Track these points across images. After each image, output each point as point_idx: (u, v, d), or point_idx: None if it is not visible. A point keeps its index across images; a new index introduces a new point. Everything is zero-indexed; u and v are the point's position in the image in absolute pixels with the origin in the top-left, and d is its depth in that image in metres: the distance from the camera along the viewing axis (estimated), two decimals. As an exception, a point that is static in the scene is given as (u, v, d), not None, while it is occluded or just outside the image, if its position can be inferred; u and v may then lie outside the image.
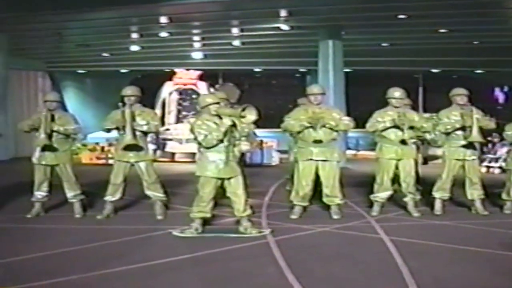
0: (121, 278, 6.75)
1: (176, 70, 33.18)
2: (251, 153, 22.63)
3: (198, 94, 29.44)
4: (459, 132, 11.23)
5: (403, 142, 10.94)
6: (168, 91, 32.00)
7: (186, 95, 32.10)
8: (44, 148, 10.67)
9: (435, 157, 17.50)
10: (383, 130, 11.05)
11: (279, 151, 27.12)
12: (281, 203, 12.26)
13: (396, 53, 30.62)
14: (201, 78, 32.35)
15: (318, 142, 10.62)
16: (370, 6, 22.10)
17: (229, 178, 9.14)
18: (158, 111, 28.00)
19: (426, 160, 18.18)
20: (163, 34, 27.12)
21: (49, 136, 10.59)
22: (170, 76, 32.97)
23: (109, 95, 29.55)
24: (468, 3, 21.06)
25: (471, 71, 35.87)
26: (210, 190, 9.12)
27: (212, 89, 28.12)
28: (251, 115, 8.84)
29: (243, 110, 8.82)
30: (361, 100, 30.33)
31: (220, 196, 9.85)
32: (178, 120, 31.40)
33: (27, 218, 10.64)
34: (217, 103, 9.33)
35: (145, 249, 8.35)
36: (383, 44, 29.63)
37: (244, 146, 11.52)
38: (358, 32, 26.83)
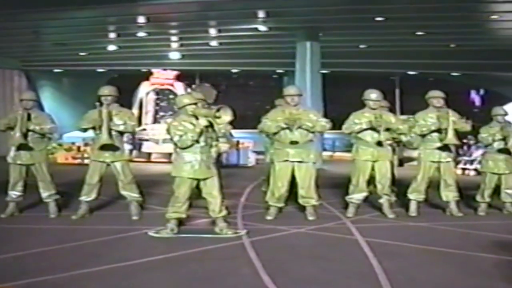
0: (97, 278, 6.71)
1: (153, 70, 33.19)
2: (228, 154, 22.64)
3: (175, 94, 29.58)
4: (435, 134, 11.30)
5: (379, 143, 10.98)
6: (145, 91, 32.03)
7: (163, 95, 32.16)
8: (20, 147, 10.59)
9: (411, 159, 17.61)
10: (359, 132, 11.08)
11: (255, 152, 27.16)
12: (256, 204, 12.27)
13: (373, 55, 30.75)
14: (178, 78, 32.40)
15: (294, 143, 10.62)
16: (348, 8, 22.19)
17: (204, 179, 9.13)
18: (135, 111, 28.01)
19: (401, 162, 18.29)
20: (141, 34, 27.06)
21: (25, 136, 10.51)
22: (147, 76, 32.96)
23: (85, 94, 29.38)
24: (445, 7, 21.18)
25: (447, 73, 36.09)
26: (185, 191, 9.10)
27: (189, 90, 28.13)
28: (226, 116, 8.85)
29: (218, 110, 8.82)
30: (338, 102, 30.48)
31: (196, 197, 9.84)
32: (155, 120, 31.41)
33: (1, 218, 10.57)
34: (195, 103, 9.31)
35: (120, 249, 8.32)
36: (361, 46, 29.75)
37: (223, 146, 11.53)
38: (335, 34, 26.89)
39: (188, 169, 9.03)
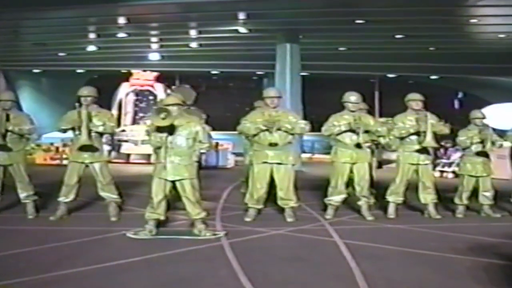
0: (74, 280, 6.68)
1: (133, 71, 33.09)
2: (207, 155, 22.62)
3: (154, 95, 29.49)
4: (413, 137, 11.37)
5: (358, 146, 11.01)
6: (124, 92, 31.93)
7: (143, 96, 32.06)
8: (-2, 148, 10.53)
9: (389, 161, 17.64)
10: (338, 134, 11.10)
11: (234, 153, 27.16)
12: (235, 206, 12.26)
13: (353, 57, 30.87)
14: (158, 79, 32.31)
15: (273, 145, 10.63)
16: (328, 11, 22.26)
17: (179, 180, 9.11)
18: (114, 112, 27.89)
19: (380, 164, 18.32)
20: (121, 34, 27.03)
21: (3, 136, 10.45)
22: (127, 77, 32.87)
23: (65, 95, 29.36)
24: (425, 10, 21.31)
25: (427, 76, 36.28)
26: (157, 191, 9.09)
27: (168, 91, 28.09)
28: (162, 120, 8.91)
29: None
30: (318, 104, 30.52)
31: (174, 198, 9.82)
32: (134, 121, 31.31)
33: (-21, 219, 10.51)
34: (179, 104, 9.29)
35: (98, 250, 8.28)
36: (340, 49, 29.87)
37: None
38: (315, 36, 26.99)
39: (160, 170, 9.05)
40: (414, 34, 26.10)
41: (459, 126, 12.31)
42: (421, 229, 10.26)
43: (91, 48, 30.12)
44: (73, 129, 10.40)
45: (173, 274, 7.03)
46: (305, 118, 12.19)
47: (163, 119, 8.84)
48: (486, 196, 11.85)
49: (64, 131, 10.61)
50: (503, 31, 25.42)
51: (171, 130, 9.01)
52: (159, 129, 9.00)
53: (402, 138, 11.52)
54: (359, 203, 11.32)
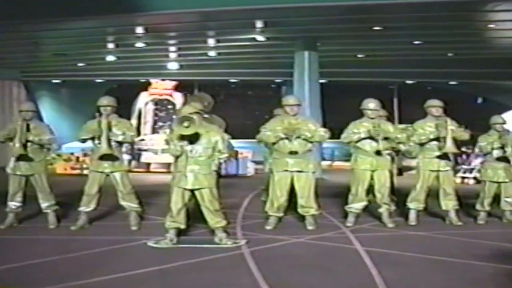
0: (95, 289, 6.72)
1: (152, 80, 33.15)
2: (227, 164, 22.63)
3: (173, 104, 29.50)
4: (434, 143, 11.32)
5: (378, 153, 10.98)
6: (144, 102, 31.97)
7: (162, 105, 32.08)
8: (19, 158, 10.58)
9: (410, 168, 17.56)
10: (358, 141, 11.08)
11: (254, 161, 27.14)
12: (256, 214, 12.24)
13: (371, 64, 30.74)
14: (176, 88, 32.34)
15: (293, 153, 10.62)
16: (346, 18, 22.19)
17: (199, 189, 9.12)
18: (133, 121, 27.96)
19: (401, 171, 18.25)
20: (139, 44, 27.04)
21: (24, 146, 10.51)
22: (146, 86, 32.94)
23: (84, 105, 29.46)
24: (442, 16, 21.20)
25: (446, 82, 36.12)
26: (176, 200, 9.13)
27: (182, 100, 28.15)
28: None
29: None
30: (337, 111, 30.44)
31: (194, 207, 9.81)
32: (154, 130, 31.35)
33: (0, 229, 10.54)
34: (197, 113, 9.31)
35: (119, 260, 8.30)
36: (359, 56, 29.75)
37: None
38: (333, 43, 26.92)
39: (180, 179, 9.07)
40: (432, 40, 25.98)
41: (479, 131, 12.25)
42: (442, 235, 10.22)
43: (110, 58, 30.20)
44: (93, 138, 10.47)
45: (194, 283, 7.04)
46: (324, 125, 12.16)
47: (187, 127, 8.87)
48: (508, 202, 11.77)
49: (84, 141, 10.70)
50: (521, 36, 25.31)
51: (194, 138, 9.04)
52: (181, 138, 9.03)
53: (422, 145, 11.49)
54: (380, 210, 11.29)
